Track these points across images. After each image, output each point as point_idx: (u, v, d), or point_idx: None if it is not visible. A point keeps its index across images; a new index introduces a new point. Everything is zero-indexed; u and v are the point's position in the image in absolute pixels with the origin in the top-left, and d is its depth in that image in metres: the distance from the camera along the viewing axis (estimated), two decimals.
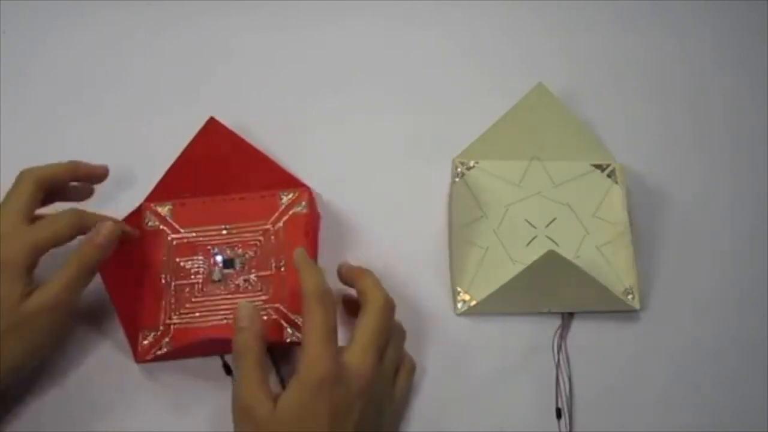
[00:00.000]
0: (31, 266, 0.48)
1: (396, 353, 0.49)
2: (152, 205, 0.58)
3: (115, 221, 0.51)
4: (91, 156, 0.56)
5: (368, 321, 0.47)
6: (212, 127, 0.56)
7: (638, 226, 0.57)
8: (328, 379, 0.44)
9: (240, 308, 0.47)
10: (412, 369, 0.51)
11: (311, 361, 0.44)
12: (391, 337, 0.49)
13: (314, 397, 0.44)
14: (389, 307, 0.49)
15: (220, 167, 0.57)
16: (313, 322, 0.45)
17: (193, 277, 0.55)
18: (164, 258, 0.56)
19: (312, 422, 0.44)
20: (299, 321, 0.53)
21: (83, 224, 0.50)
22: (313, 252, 0.55)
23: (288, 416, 0.44)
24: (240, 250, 0.56)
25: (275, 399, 0.45)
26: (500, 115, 0.58)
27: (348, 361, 0.45)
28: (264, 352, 0.47)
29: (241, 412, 0.45)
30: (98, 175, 0.55)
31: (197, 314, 0.54)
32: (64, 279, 0.48)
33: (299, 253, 0.49)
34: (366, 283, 0.49)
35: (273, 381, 0.51)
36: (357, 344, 0.46)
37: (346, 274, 0.51)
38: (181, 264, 0.55)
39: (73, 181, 0.54)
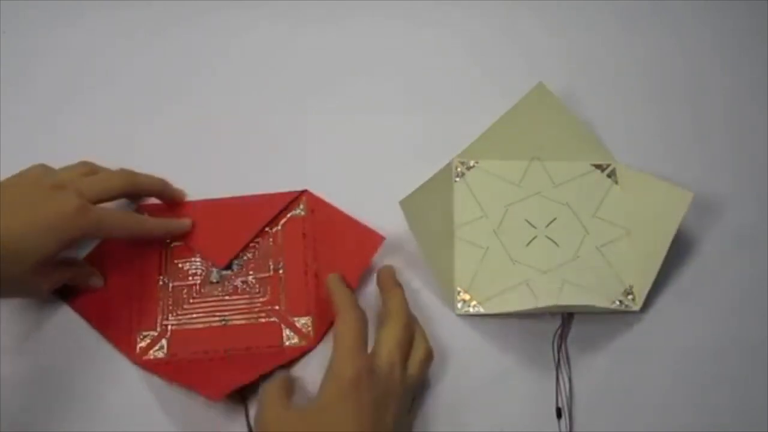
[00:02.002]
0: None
1: (419, 373, 0.49)
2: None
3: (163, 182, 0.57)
4: (90, 155, 0.56)
5: (393, 332, 0.48)
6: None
7: None
8: (366, 374, 0.45)
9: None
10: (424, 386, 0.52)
11: (346, 358, 0.46)
12: (414, 354, 0.49)
13: (353, 390, 0.44)
14: (411, 323, 0.50)
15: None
16: (344, 328, 0.47)
17: (190, 278, 0.55)
18: (162, 260, 0.56)
19: (352, 415, 0.44)
20: (298, 324, 0.53)
21: (135, 183, 0.55)
22: (308, 256, 0.55)
23: (326, 411, 0.44)
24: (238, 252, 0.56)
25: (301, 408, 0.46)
26: (501, 115, 0.58)
27: (378, 365, 0.46)
28: (287, 386, 0.48)
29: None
30: (176, 197, 0.58)
31: (195, 315, 0.54)
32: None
33: (333, 277, 0.51)
34: (396, 298, 0.50)
35: None
36: (383, 350, 0.47)
37: (383, 280, 0.52)
38: (179, 266, 0.55)
39: (155, 197, 0.57)
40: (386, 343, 0.48)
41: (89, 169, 0.54)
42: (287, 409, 0.46)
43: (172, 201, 0.57)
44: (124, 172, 0.55)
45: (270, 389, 0.47)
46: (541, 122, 0.58)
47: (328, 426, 0.44)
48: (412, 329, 0.50)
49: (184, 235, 0.56)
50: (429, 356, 0.50)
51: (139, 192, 0.56)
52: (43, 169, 0.51)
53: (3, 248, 0.46)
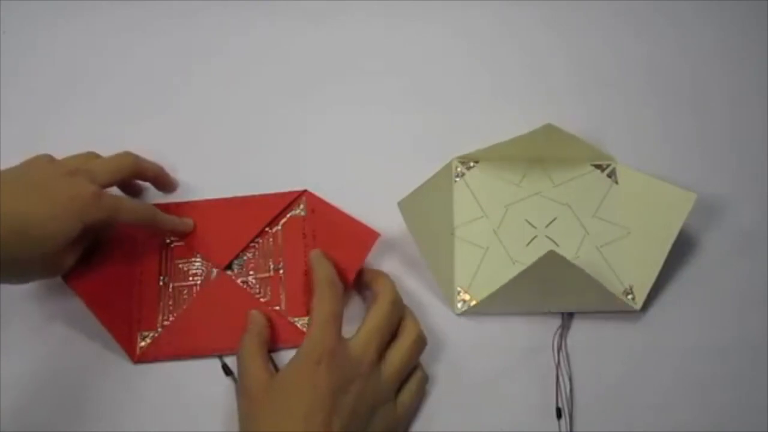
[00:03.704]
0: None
1: (403, 358, 0.49)
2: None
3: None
4: None
5: (374, 316, 0.49)
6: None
7: None
8: (327, 355, 0.45)
9: (250, 315, 0.52)
10: (424, 379, 0.51)
11: (313, 338, 0.46)
12: (400, 338, 0.49)
13: (312, 370, 0.45)
14: (397, 306, 0.50)
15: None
16: (319, 305, 0.48)
17: (191, 278, 0.55)
18: (162, 260, 0.56)
19: (307, 394, 0.45)
20: (299, 324, 0.53)
21: (139, 164, 0.55)
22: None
23: (285, 386, 0.46)
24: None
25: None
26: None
27: (349, 347, 0.47)
28: (265, 344, 0.50)
29: (243, 390, 0.47)
30: (169, 186, 0.59)
31: None
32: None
33: (315, 252, 0.53)
34: (381, 282, 0.51)
35: None
36: (360, 336, 0.48)
37: (365, 277, 0.53)
38: (180, 266, 0.55)
39: (149, 182, 0.58)
40: (365, 327, 0.48)
41: (94, 159, 0.55)
42: (264, 377, 0.47)
43: (166, 188, 0.58)
44: (129, 155, 0.55)
45: (250, 354, 0.49)
46: (546, 144, 0.58)
47: (283, 400, 0.45)
48: (399, 313, 0.50)
49: (184, 235, 0.56)
50: (419, 340, 0.50)
51: (142, 174, 0.56)
52: (49, 158, 0.52)
53: (26, 233, 0.47)
